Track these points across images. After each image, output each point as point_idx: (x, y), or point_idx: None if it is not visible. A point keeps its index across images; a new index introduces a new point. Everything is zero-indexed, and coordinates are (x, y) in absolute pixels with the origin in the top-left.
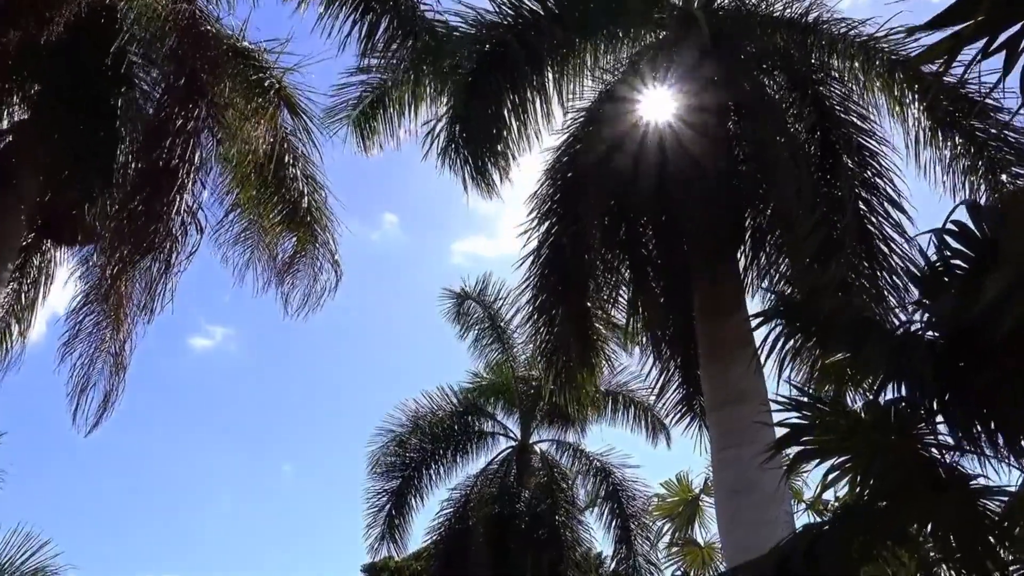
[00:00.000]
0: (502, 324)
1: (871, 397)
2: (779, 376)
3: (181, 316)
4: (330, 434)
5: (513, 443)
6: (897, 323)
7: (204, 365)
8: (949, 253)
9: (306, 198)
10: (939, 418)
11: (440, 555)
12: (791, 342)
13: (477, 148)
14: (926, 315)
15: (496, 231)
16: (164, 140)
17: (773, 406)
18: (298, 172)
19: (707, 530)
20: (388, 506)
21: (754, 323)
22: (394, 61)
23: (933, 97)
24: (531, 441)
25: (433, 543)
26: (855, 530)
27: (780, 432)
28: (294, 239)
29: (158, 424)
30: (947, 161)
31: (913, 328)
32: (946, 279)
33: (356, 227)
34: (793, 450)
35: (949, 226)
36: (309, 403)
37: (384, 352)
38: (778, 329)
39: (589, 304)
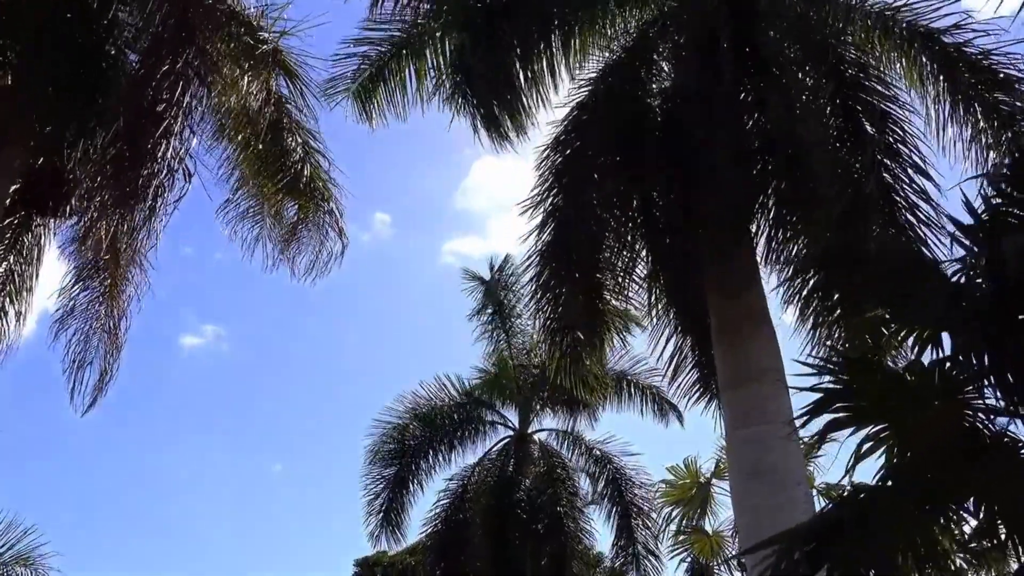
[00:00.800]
0: (506, 311)
1: (913, 358)
2: (814, 334)
3: (172, 315)
4: (321, 434)
5: (512, 432)
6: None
7: (195, 364)
8: (1001, 201)
9: (307, 166)
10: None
11: (436, 547)
12: (827, 299)
13: (485, 94)
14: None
15: (487, 231)
16: (150, 83)
17: (804, 369)
18: (297, 140)
19: (716, 517)
20: (386, 493)
21: (767, 291)
22: (407, 11)
23: (955, 68)
24: (530, 431)
25: (428, 535)
26: (902, 497)
27: (803, 404)
28: (296, 207)
29: (148, 422)
30: (968, 138)
31: (964, 279)
32: (992, 228)
33: (347, 227)
34: (815, 426)
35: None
36: (299, 403)
37: (375, 352)
38: (812, 282)
39: (599, 277)
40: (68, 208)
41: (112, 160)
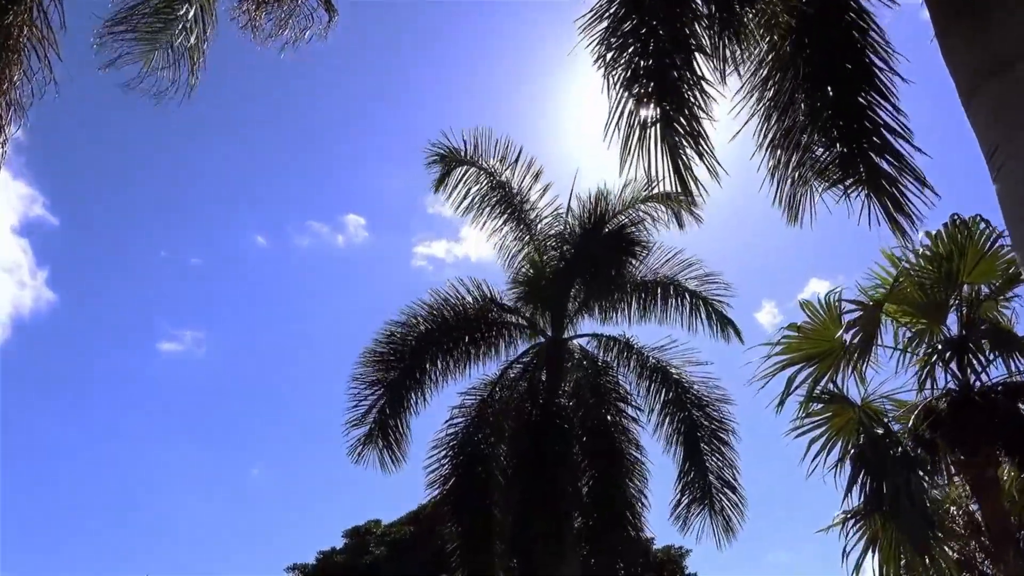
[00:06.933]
0: (515, 190)
1: None
2: None
3: (149, 320)
4: (298, 438)
5: (542, 339)
6: None
7: (173, 369)
8: None
9: None
10: None
11: (452, 473)
12: None
13: None
14: None
15: (458, 235)
16: None
17: None
18: None
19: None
20: (380, 402)
21: None
22: None
23: None
24: (565, 336)
25: (440, 458)
26: None
27: None
28: None
29: (127, 427)
30: None
31: None
32: None
33: (321, 230)
34: None
35: None
36: (277, 407)
37: (350, 354)
38: None
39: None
40: None
41: None
